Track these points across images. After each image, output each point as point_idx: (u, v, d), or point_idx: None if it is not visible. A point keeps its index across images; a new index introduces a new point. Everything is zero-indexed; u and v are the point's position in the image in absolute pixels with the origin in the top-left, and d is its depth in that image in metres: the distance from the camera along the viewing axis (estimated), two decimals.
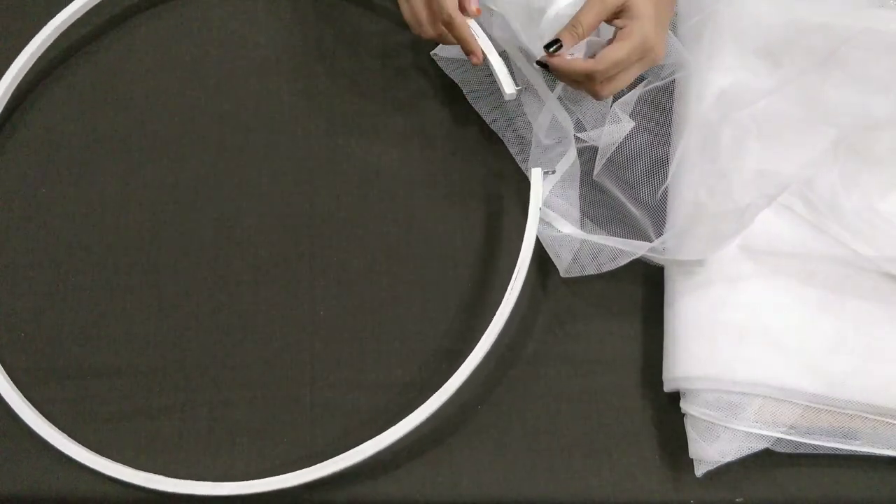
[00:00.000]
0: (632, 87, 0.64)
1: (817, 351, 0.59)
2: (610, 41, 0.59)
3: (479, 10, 0.63)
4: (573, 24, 0.59)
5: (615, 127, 0.63)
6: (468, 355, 0.58)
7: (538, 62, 0.61)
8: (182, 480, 0.57)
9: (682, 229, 0.62)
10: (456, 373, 0.58)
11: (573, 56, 0.60)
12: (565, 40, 0.59)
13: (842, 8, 0.64)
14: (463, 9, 0.62)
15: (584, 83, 0.60)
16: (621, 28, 0.58)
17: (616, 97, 0.63)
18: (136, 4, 0.73)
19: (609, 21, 0.59)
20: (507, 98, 0.65)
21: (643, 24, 0.57)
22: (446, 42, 0.64)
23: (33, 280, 0.65)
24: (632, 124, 0.63)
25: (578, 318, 0.64)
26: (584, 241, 0.62)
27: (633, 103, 0.63)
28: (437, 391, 0.57)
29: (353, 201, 0.67)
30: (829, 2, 0.65)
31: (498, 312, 0.59)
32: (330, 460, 0.57)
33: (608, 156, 0.64)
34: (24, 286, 0.64)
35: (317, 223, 0.66)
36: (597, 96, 0.61)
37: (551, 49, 0.59)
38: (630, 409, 0.62)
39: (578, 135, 0.65)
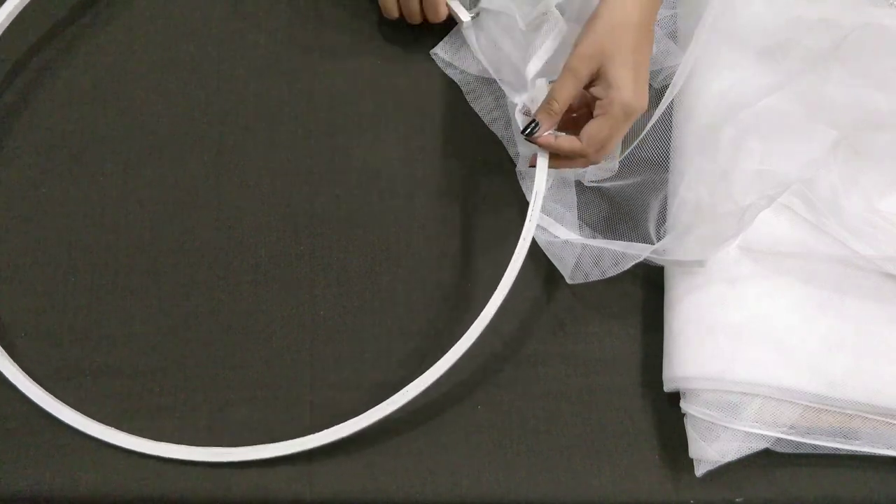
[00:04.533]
0: None
1: (817, 351, 0.59)
2: (588, 110, 0.59)
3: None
4: (548, 101, 0.58)
5: (602, 165, 0.63)
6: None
7: (527, 139, 0.60)
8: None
9: (683, 230, 0.62)
10: (449, 351, 0.57)
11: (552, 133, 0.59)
12: (542, 121, 0.58)
13: (841, 5, 0.64)
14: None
15: (575, 159, 0.59)
16: (600, 99, 0.57)
17: None
18: (135, 4, 0.73)
19: (586, 88, 0.58)
20: (464, 27, 0.69)
21: (621, 94, 0.56)
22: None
23: (33, 280, 0.65)
24: (616, 165, 0.63)
25: (578, 318, 0.64)
26: (584, 247, 0.62)
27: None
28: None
29: (353, 201, 0.67)
30: (828, 0, 0.65)
31: (491, 300, 0.58)
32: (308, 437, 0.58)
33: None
34: (24, 286, 0.64)
35: (317, 223, 0.66)
36: (594, 164, 0.60)
37: (529, 131, 0.58)
38: (630, 409, 0.62)
39: (563, 175, 0.65)
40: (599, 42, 0.56)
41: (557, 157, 0.60)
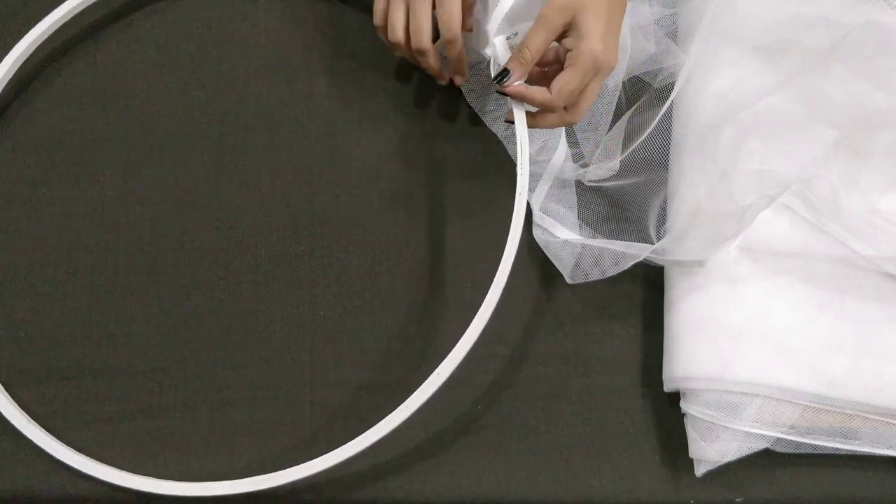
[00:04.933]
0: (618, 116, 0.64)
1: (817, 351, 0.59)
2: (559, 65, 0.58)
3: (470, 28, 0.61)
4: (520, 49, 0.57)
5: (602, 164, 0.63)
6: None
7: (498, 91, 0.59)
8: (171, 482, 0.58)
9: (683, 230, 0.62)
10: (445, 359, 0.57)
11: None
12: (514, 69, 0.58)
13: (840, 4, 0.64)
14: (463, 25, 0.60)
15: (548, 115, 0.59)
16: (570, 50, 0.57)
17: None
18: (135, 3, 0.73)
19: (558, 40, 0.58)
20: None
21: (591, 44, 0.56)
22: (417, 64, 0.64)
23: (33, 280, 0.65)
24: (617, 164, 0.63)
25: (578, 319, 0.64)
26: (584, 246, 0.62)
27: (623, 133, 0.64)
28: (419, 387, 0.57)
29: (353, 201, 0.67)
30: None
31: (484, 302, 0.58)
32: (319, 458, 0.56)
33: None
34: (24, 286, 0.64)
35: (317, 223, 0.66)
36: (569, 123, 0.60)
37: (501, 79, 0.58)
38: (630, 409, 0.62)
39: (564, 175, 0.65)
40: None
41: (532, 115, 0.61)
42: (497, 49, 0.60)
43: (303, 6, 0.74)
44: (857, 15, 0.62)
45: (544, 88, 0.58)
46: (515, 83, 0.58)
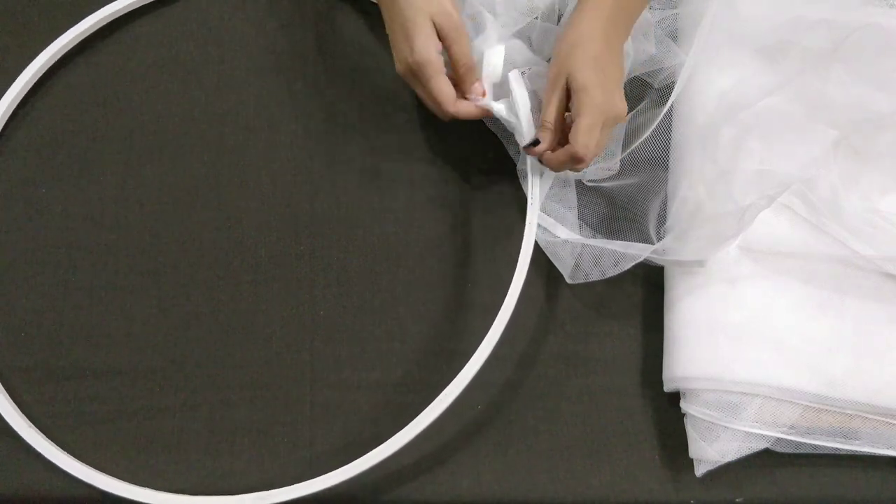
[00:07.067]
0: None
1: (817, 351, 0.59)
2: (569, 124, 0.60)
3: (484, 93, 0.63)
4: (543, 122, 0.60)
5: (602, 164, 0.64)
6: (468, 355, 0.58)
7: (526, 150, 0.62)
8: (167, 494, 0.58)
9: (683, 230, 0.62)
10: (457, 377, 0.57)
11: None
12: (543, 139, 0.60)
13: (841, 5, 0.64)
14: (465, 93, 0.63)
15: (569, 163, 0.61)
16: (574, 105, 0.59)
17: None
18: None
19: (568, 100, 0.60)
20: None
21: (590, 94, 0.57)
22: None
23: (33, 280, 0.65)
24: (617, 164, 0.64)
25: (578, 319, 0.64)
26: (584, 246, 0.63)
27: (623, 134, 0.64)
28: (437, 395, 0.57)
29: (353, 201, 0.67)
30: (828, 0, 0.65)
31: (498, 316, 0.58)
32: (327, 475, 0.56)
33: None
34: (24, 286, 0.64)
35: (317, 223, 0.66)
36: (583, 166, 0.62)
37: (532, 146, 0.61)
38: (630, 409, 0.62)
39: (564, 174, 0.66)
40: (561, 60, 0.59)
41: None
42: (511, 83, 0.62)
43: (303, 6, 0.74)
44: (858, 17, 0.62)
45: (566, 148, 0.59)
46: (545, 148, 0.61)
